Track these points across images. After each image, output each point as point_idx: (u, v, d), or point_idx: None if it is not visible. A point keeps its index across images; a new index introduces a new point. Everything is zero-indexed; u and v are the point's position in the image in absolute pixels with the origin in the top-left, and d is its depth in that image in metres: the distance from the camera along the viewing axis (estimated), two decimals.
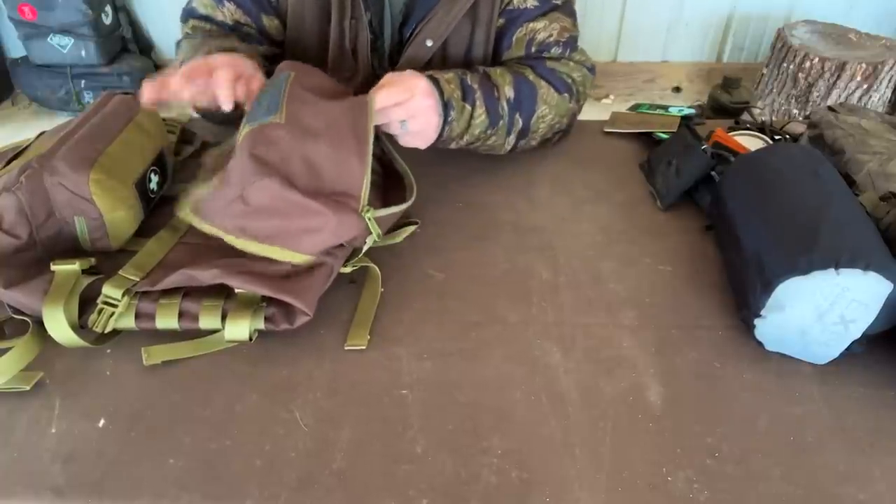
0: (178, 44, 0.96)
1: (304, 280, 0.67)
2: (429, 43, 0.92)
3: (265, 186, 0.65)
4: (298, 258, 0.67)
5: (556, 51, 0.93)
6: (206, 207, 0.69)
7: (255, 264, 0.67)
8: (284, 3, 0.93)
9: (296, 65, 0.79)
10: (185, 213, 0.70)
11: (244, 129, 0.70)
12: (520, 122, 0.88)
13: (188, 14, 0.95)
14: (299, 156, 0.68)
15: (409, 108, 0.77)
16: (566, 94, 0.92)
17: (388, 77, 0.77)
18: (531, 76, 0.89)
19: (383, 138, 0.83)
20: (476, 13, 0.92)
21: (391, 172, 0.84)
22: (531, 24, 0.93)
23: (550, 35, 0.92)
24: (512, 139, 0.90)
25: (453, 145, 0.87)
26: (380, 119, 0.75)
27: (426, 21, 0.90)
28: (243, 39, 0.92)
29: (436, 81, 0.80)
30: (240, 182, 0.66)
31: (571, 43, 0.94)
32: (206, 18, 0.93)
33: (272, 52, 0.96)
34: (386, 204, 0.78)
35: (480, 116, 0.84)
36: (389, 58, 0.96)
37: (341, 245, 0.72)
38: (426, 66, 0.94)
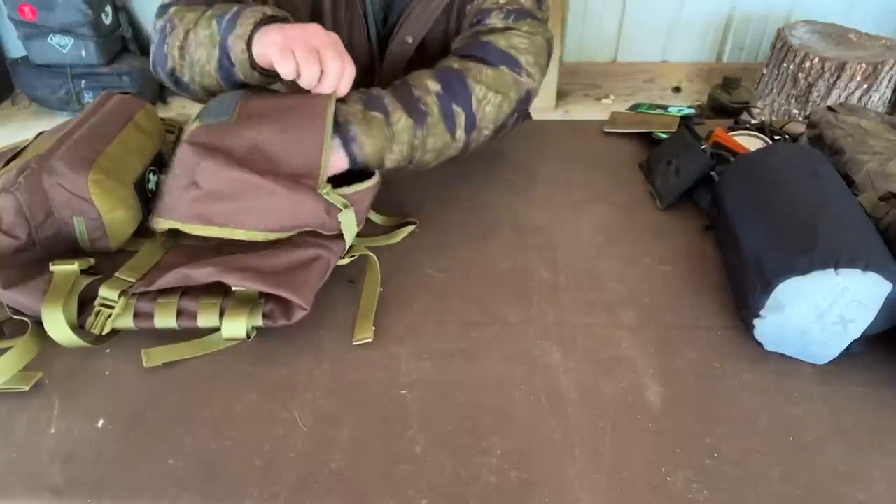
0: (164, 8, 0.82)
1: (300, 275, 0.67)
2: (409, 39, 0.90)
3: (209, 168, 0.66)
4: (259, 237, 0.68)
5: (496, 16, 0.85)
6: (159, 204, 0.71)
7: (250, 260, 0.67)
8: None
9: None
10: (153, 219, 0.71)
11: (192, 125, 0.71)
12: (462, 113, 0.79)
13: None
14: (244, 139, 0.69)
15: None
16: (504, 67, 0.81)
17: None
18: (455, 64, 0.81)
19: None
20: (453, 8, 0.90)
21: None
22: None
23: (496, 3, 0.85)
24: (461, 134, 0.80)
25: (389, 163, 0.77)
26: None
27: (405, 17, 0.89)
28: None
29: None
30: (187, 170, 0.67)
31: (518, 13, 0.85)
32: None
33: None
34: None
35: (400, 120, 0.75)
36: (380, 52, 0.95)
37: (332, 237, 0.72)
38: (408, 63, 0.93)
